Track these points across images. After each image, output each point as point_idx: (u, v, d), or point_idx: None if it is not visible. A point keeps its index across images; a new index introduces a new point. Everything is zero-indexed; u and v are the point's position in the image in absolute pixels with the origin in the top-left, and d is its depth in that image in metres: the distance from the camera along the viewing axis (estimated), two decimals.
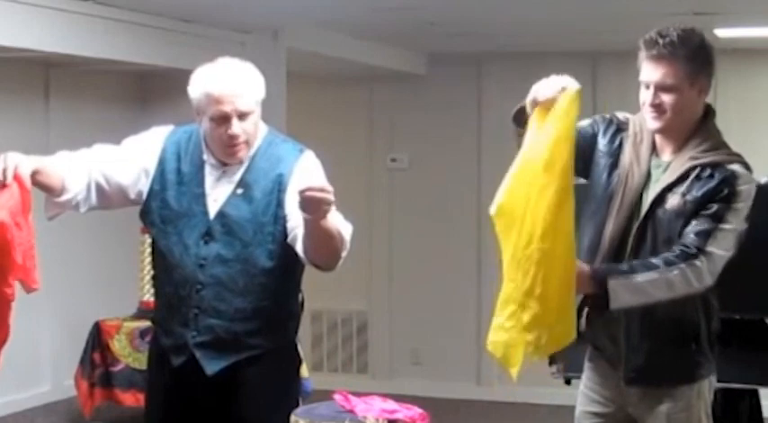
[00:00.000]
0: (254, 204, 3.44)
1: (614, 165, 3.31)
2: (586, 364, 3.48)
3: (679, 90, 3.24)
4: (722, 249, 3.13)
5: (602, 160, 3.35)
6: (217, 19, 6.41)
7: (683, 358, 3.30)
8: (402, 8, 6.16)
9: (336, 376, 8.54)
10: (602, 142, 3.36)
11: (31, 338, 7.03)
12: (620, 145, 3.34)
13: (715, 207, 3.16)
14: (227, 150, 3.43)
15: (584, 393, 3.50)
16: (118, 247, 7.25)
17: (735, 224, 3.16)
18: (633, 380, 3.33)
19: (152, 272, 3.62)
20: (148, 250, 6.69)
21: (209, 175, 3.48)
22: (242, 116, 3.40)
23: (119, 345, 6.47)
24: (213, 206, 3.46)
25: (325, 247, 3.28)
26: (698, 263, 3.09)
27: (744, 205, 3.19)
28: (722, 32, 6.96)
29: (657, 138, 3.33)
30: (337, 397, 5.21)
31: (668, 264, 3.09)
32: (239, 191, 3.46)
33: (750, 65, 7.96)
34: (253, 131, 3.46)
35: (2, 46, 5.45)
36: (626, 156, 3.32)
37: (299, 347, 6.49)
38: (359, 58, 7.57)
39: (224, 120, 3.38)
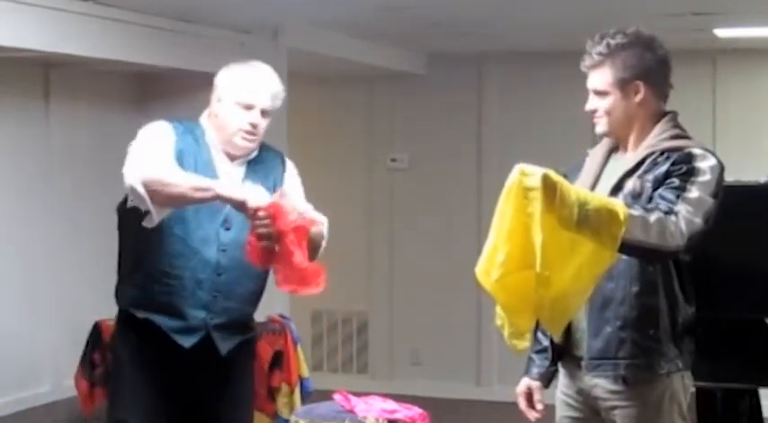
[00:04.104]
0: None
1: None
2: (560, 368, 3.49)
3: (610, 94, 3.32)
4: (692, 215, 3.10)
5: None
6: (217, 19, 6.41)
7: (640, 343, 3.26)
8: (402, 8, 6.16)
9: (336, 376, 8.54)
10: (571, 179, 3.43)
11: (31, 338, 7.03)
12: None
13: (677, 181, 3.16)
14: (242, 136, 3.63)
15: (559, 398, 3.51)
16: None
17: (700, 193, 3.13)
18: (594, 367, 3.31)
19: (150, 258, 3.61)
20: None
21: (220, 164, 3.66)
22: (264, 113, 3.68)
23: None
24: None
25: (312, 251, 3.66)
26: (673, 217, 3.07)
27: (707, 179, 3.17)
28: (722, 32, 6.96)
29: (619, 142, 3.41)
30: (337, 397, 5.22)
31: (647, 210, 3.10)
32: (247, 183, 3.60)
33: (750, 65, 7.96)
34: (264, 130, 3.70)
35: (2, 46, 5.45)
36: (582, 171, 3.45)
37: (300, 348, 6.49)
38: (359, 58, 7.58)
39: (249, 108, 3.63)
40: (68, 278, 7.16)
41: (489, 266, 3.06)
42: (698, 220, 3.10)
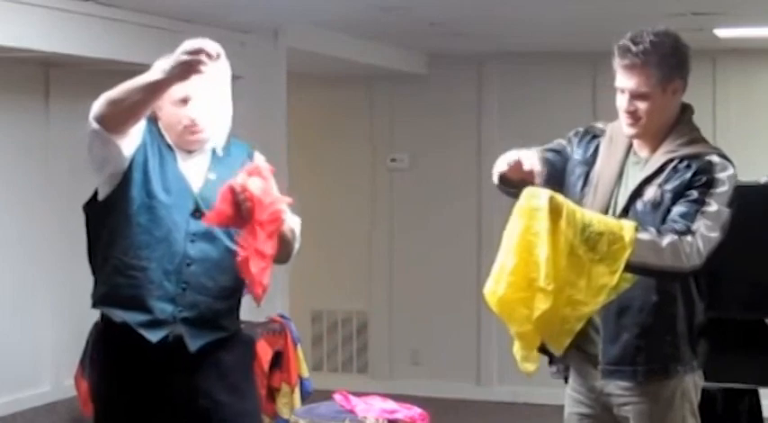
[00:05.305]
0: None
1: (589, 173, 3.38)
2: (571, 365, 3.48)
3: (653, 97, 3.26)
4: (709, 230, 3.12)
5: (576, 169, 3.40)
6: (217, 19, 6.41)
7: (658, 350, 3.29)
8: (402, 8, 6.16)
9: (336, 376, 8.55)
10: (577, 152, 3.43)
11: (31, 338, 7.03)
12: (596, 151, 3.40)
13: (696, 193, 3.18)
14: (191, 131, 3.51)
15: (570, 395, 3.52)
16: None
17: (718, 206, 3.16)
18: (610, 373, 3.33)
19: (115, 251, 3.51)
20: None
21: (181, 159, 3.55)
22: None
23: None
24: (195, 187, 3.52)
25: (282, 248, 3.45)
26: (689, 239, 3.09)
27: (724, 190, 3.20)
28: (722, 32, 6.96)
29: (643, 140, 3.37)
30: (337, 397, 5.23)
31: (660, 232, 3.10)
32: (212, 176, 3.54)
33: (750, 65, 7.96)
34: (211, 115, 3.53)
35: (2, 46, 5.45)
36: (599, 160, 3.38)
37: (300, 348, 6.48)
38: (359, 58, 7.58)
39: (184, 101, 3.49)
40: (68, 278, 7.15)
41: (496, 286, 3.08)
42: (715, 235, 3.14)
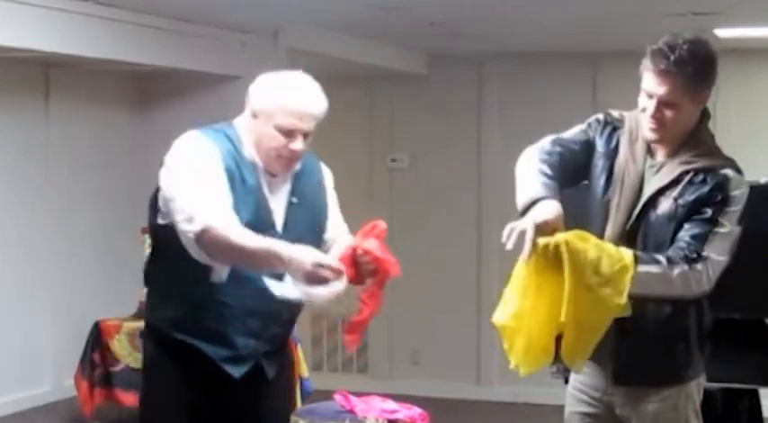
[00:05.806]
0: (309, 213, 3.50)
1: (612, 167, 3.33)
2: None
3: (681, 106, 3.22)
4: (719, 254, 3.13)
5: (599, 161, 3.36)
6: (217, 19, 6.41)
7: (670, 358, 3.31)
8: (402, 8, 6.16)
9: (336, 376, 8.55)
10: (599, 143, 3.37)
11: (31, 338, 7.04)
12: (617, 145, 3.35)
13: (709, 211, 3.16)
14: (281, 162, 3.40)
15: (571, 394, 3.51)
16: (118, 246, 7.25)
17: (729, 227, 3.16)
18: (621, 379, 3.34)
19: (199, 286, 3.37)
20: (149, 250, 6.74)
21: (264, 181, 3.43)
22: (306, 135, 3.44)
23: (119, 345, 6.47)
24: (277, 215, 3.43)
25: None
26: (699, 267, 3.09)
27: (737, 209, 3.20)
28: (722, 32, 6.96)
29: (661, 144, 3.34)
30: (337, 397, 5.21)
31: (671, 262, 3.08)
32: (294, 200, 3.47)
33: (750, 65, 7.96)
34: (305, 149, 3.47)
35: (2, 46, 5.46)
36: (621, 155, 3.33)
37: (300, 347, 6.49)
38: (359, 58, 7.58)
39: (290, 134, 3.38)
40: (68, 278, 7.16)
41: (519, 322, 3.10)
42: (724, 258, 3.15)
